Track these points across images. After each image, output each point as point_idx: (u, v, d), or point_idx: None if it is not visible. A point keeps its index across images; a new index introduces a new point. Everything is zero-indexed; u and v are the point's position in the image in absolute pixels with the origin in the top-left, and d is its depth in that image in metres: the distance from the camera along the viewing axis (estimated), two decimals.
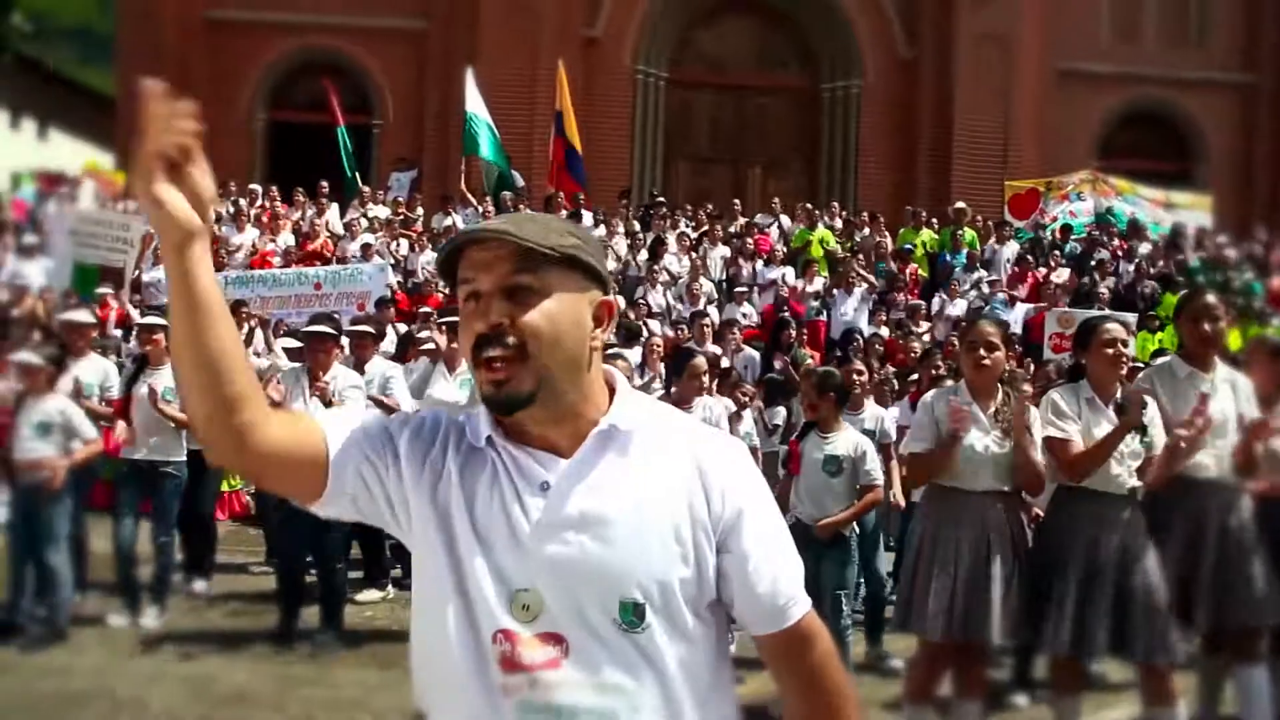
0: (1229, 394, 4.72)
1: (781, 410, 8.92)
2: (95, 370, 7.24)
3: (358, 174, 17.75)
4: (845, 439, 5.59)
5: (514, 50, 20.31)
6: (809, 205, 16.87)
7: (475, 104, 15.54)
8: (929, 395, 4.89)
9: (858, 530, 5.72)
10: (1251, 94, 22.68)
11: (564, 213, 15.90)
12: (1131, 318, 12.02)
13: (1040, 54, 21.65)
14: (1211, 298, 4.92)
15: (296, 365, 7.02)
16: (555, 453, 1.59)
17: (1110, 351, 4.48)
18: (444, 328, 7.09)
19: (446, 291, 13.51)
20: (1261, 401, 4.91)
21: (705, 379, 6.28)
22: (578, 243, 1.60)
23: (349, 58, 21.51)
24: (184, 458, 7.02)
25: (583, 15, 21.29)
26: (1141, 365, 7.47)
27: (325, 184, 16.74)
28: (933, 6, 21.58)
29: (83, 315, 7.86)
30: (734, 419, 7.60)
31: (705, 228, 16.09)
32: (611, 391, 1.64)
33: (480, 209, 15.69)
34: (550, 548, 1.54)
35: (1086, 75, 22.01)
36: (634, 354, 10.64)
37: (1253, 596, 4.57)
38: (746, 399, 8.53)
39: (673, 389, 6.22)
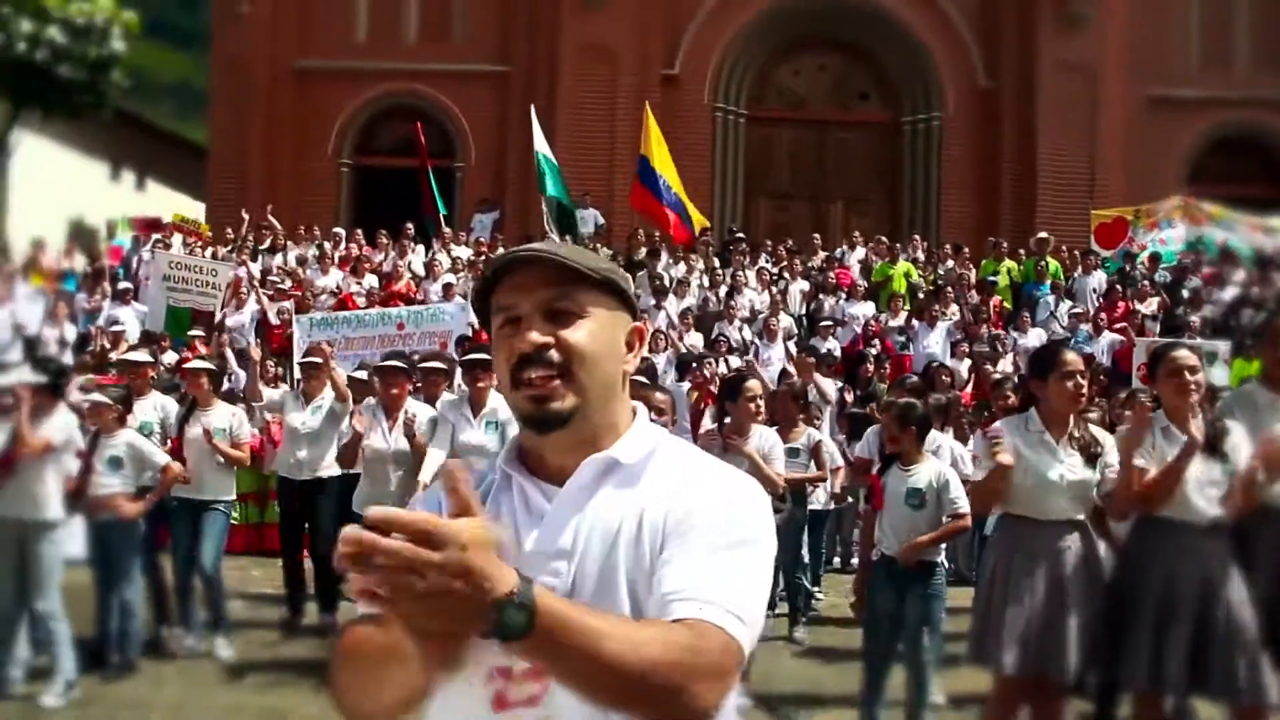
0: None
1: (863, 443, 8.81)
2: (155, 408, 7.46)
3: (443, 215, 18.01)
4: (927, 470, 5.48)
5: (593, 91, 20.57)
6: (886, 240, 16.75)
7: (541, 143, 15.71)
8: (997, 424, 4.79)
9: (947, 565, 5.63)
10: None
11: (643, 250, 16.01)
12: (1224, 345, 11.69)
13: (1125, 80, 21.27)
14: None
15: (370, 401, 7.12)
16: (563, 483, 1.59)
17: (1177, 380, 4.35)
18: (467, 368, 6.81)
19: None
20: None
21: (760, 404, 6.18)
22: (612, 267, 1.63)
23: (431, 102, 21.93)
24: (234, 496, 7.32)
25: (661, 54, 21.47)
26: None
27: (410, 226, 17.04)
28: (1013, 35, 21.35)
29: (140, 355, 8.23)
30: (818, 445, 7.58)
31: (785, 263, 16.04)
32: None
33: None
34: (538, 578, 1.46)
35: (1174, 101, 21.55)
36: (684, 388, 10.63)
37: None
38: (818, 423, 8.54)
39: (726, 418, 6.15)
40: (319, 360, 7.65)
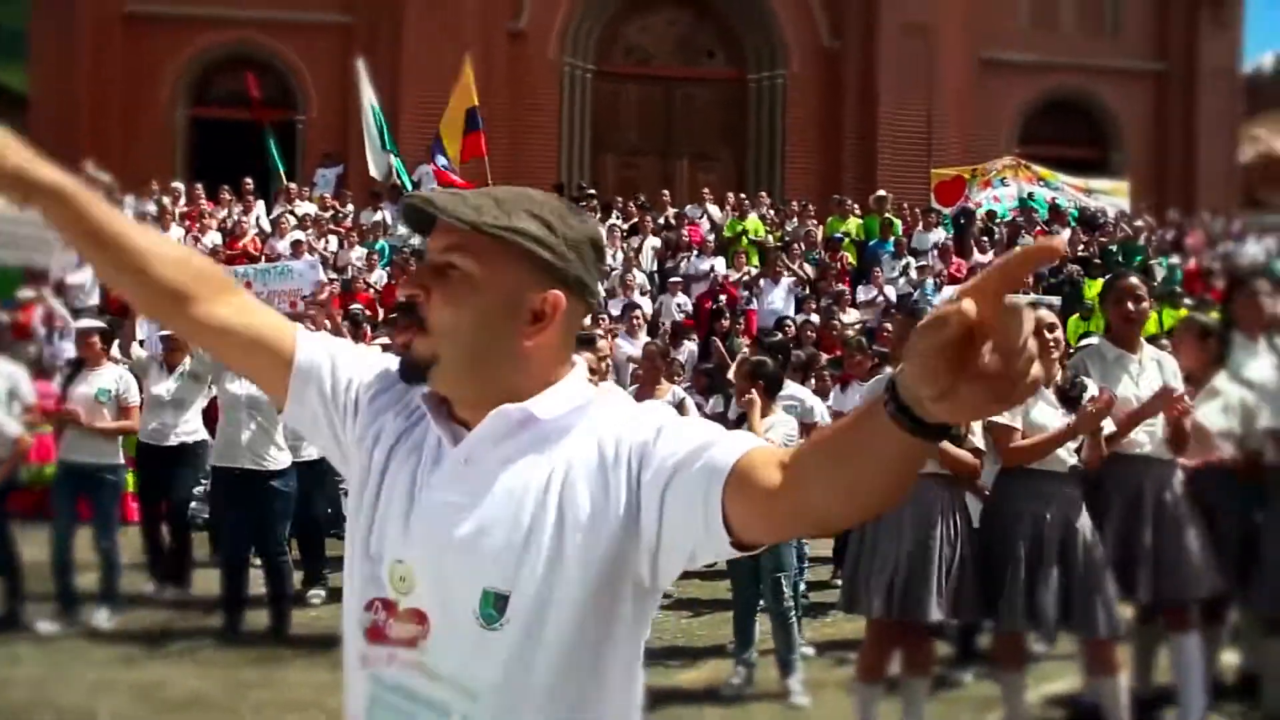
0: (1156, 372, 4.87)
1: (718, 399, 9.01)
2: (5, 376, 7.10)
3: (282, 171, 17.50)
4: (779, 426, 5.64)
5: (438, 44, 20.16)
6: (741, 195, 17.01)
7: (370, 95, 15.37)
8: (870, 384, 4.98)
9: None
10: (1163, 81, 23.28)
11: None
12: (1057, 300, 12.31)
13: (961, 43, 22.00)
14: (1135, 279, 5.06)
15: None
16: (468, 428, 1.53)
17: (1040, 339, 4.57)
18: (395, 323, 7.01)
19: (377, 289, 13.46)
20: (1188, 380, 5.09)
21: (604, 368, 6.05)
22: (528, 228, 1.48)
23: (272, 52, 21.21)
24: (120, 459, 7.04)
25: (507, 8, 21.21)
26: (1070, 348, 7.68)
27: (250, 181, 16.52)
28: None
29: None
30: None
31: (636, 219, 16.14)
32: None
33: None
34: (427, 522, 1.48)
35: (1006, 64, 22.43)
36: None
37: (1188, 569, 4.73)
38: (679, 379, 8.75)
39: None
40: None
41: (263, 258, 13.87)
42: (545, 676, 1.43)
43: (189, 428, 7.43)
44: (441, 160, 15.70)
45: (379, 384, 1.61)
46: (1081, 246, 15.55)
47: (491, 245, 1.46)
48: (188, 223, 15.18)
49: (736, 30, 22.52)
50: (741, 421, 5.67)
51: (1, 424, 6.30)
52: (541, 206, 1.51)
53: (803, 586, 6.88)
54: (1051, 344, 4.56)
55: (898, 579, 4.49)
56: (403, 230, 14.91)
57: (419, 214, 1.50)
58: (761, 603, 5.73)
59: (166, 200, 16.05)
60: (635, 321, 11.52)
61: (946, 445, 4.45)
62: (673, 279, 14.11)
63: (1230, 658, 5.61)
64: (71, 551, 6.80)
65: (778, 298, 13.65)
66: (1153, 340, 5.83)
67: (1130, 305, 4.90)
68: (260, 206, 16.29)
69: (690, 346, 11.69)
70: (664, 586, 1.53)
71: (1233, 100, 23.35)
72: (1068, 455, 4.54)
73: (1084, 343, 6.91)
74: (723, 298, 13.72)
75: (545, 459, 1.47)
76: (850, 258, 15.35)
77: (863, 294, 13.86)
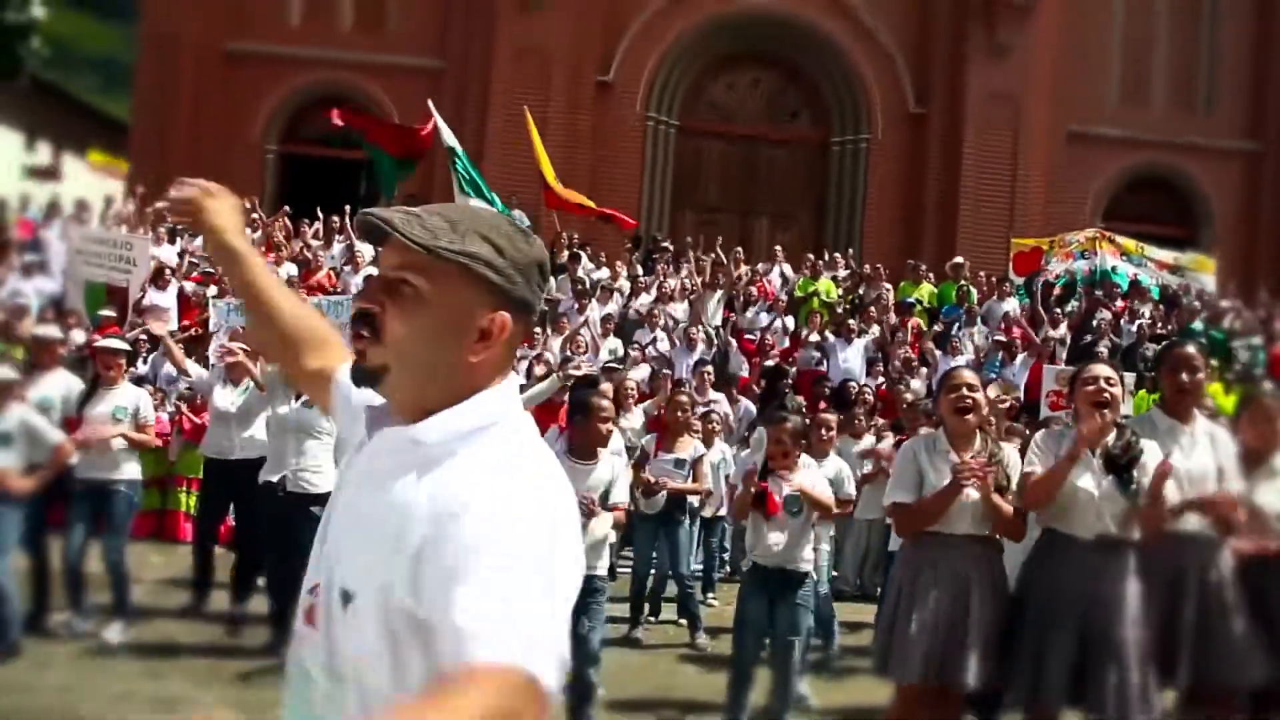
0: (1208, 446, 4.68)
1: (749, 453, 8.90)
2: (61, 385, 7.24)
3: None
4: (804, 478, 5.46)
5: (526, 93, 20.46)
6: (812, 256, 16.92)
7: (450, 137, 15.56)
8: (908, 443, 4.85)
9: (815, 578, 5.64)
10: (1256, 161, 22.79)
11: (566, 253, 15.97)
12: (1130, 377, 11.99)
13: (1049, 115, 21.79)
14: (1191, 349, 4.89)
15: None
16: None
17: (1091, 389, 4.44)
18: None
19: None
20: (1245, 459, 4.88)
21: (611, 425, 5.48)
22: (479, 252, 1.54)
23: (364, 93, 21.68)
24: (137, 476, 7.14)
25: (596, 61, 21.48)
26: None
27: (336, 219, 16.79)
28: (943, 64, 21.75)
29: (51, 330, 8.02)
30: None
31: (705, 274, 16.12)
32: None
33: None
34: (336, 514, 1.63)
35: (1095, 138, 22.15)
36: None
37: (1232, 654, 4.51)
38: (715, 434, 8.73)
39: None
40: (237, 359, 7.53)
41: (336, 291, 14.07)
42: (365, 679, 1.50)
43: (256, 441, 7.45)
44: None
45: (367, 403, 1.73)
46: (1161, 323, 15.19)
47: (444, 266, 1.54)
48: (267, 253, 15.47)
49: (822, 92, 22.55)
50: (768, 473, 5.46)
51: (44, 431, 6.40)
52: (493, 229, 1.59)
53: (835, 648, 6.71)
54: (1107, 398, 4.40)
55: (935, 642, 4.34)
56: None
57: (374, 230, 1.57)
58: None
59: (248, 230, 16.39)
60: (706, 377, 11.40)
61: (998, 499, 4.34)
62: (748, 335, 13.98)
63: None
64: (84, 561, 6.89)
65: (851, 358, 13.49)
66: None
67: (1184, 375, 4.73)
68: (339, 242, 16.54)
69: (746, 403, 11.55)
70: None
71: None
72: (1096, 521, 4.36)
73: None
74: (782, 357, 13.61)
75: (418, 483, 1.50)
76: (922, 324, 15.15)
77: (943, 362, 13.61)
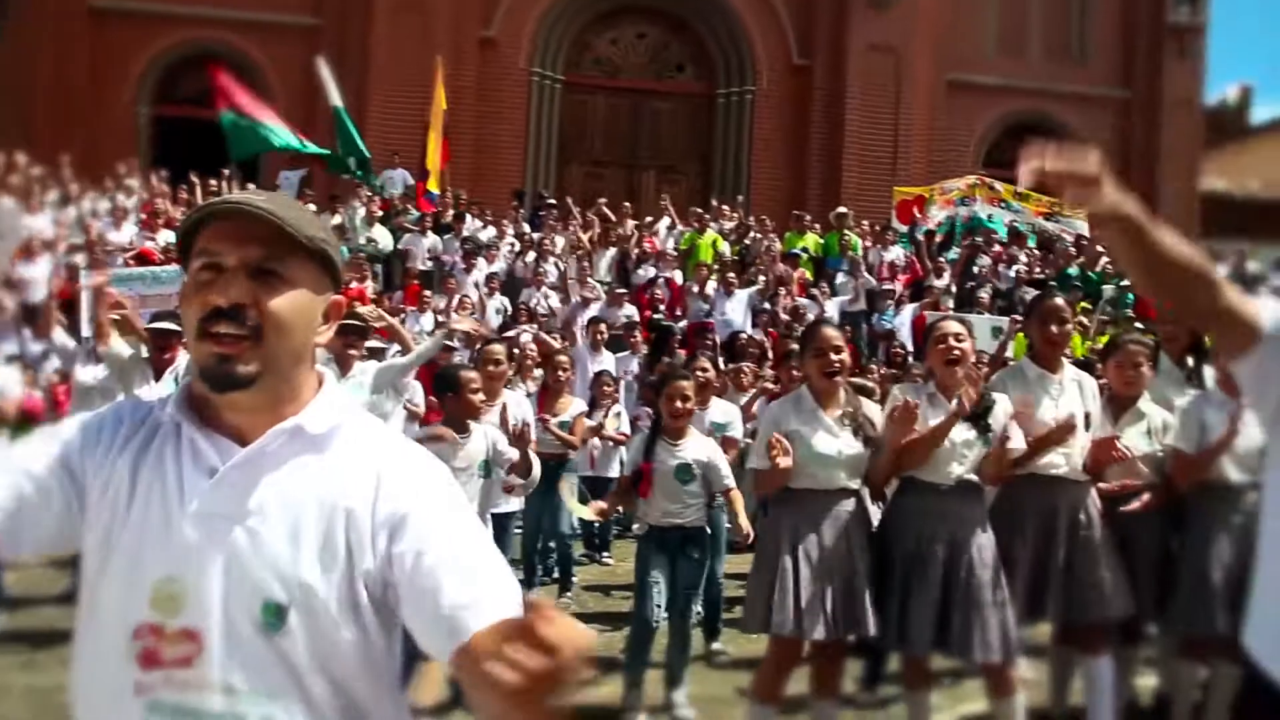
0: (1076, 394, 4.84)
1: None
2: None
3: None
4: (695, 446, 5.51)
5: (407, 49, 20.08)
6: (699, 209, 16.97)
7: (335, 95, 15.28)
8: (772, 406, 4.89)
9: (710, 531, 5.70)
10: (1125, 107, 23.51)
11: (451, 212, 15.78)
12: (1005, 321, 12.30)
13: (930, 65, 22.13)
14: (1060, 301, 5.04)
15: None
16: (240, 442, 1.54)
17: (942, 347, 4.55)
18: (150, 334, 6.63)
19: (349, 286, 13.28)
20: (1111, 402, 5.06)
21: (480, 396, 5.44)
22: (327, 238, 1.58)
23: (239, 52, 21.04)
24: None
25: (478, 16, 21.15)
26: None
27: (214, 183, 16.32)
28: (827, 16, 21.91)
29: None
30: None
31: (595, 230, 16.07)
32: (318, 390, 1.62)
33: (364, 205, 15.45)
34: (199, 535, 1.48)
35: (974, 87, 22.58)
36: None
37: (1100, 592, 4.69)
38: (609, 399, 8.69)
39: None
40: (116, 317, 7.25)
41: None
42: (330, 676, 1.49)
43: None
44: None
45: (90, 437, 1.56)
46: (1039, 269, 15.59)
47: (302, 254, 1.54)
48: (144, 218, 14.99)
49: (706, 45, 22.55)
50: (654, 441, 5.50)
51: None
52: (312, 214, 1.61)
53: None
54: (957, 354, 4.52)
55: (829, 597, 4.40)
56: (368, 236, 14.77)
57: (241, 217, 1.50)
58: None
59: (120, 197, 15.87)
60: (599, 336, 11.36)
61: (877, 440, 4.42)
62: (619, 290, 13.89)
63: (1147, 681, 5.58)
64: None
65: (733, 309, 13.55)
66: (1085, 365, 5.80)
67: (1054, 327, 4.88)
68: None
69: (636, 359, 11.55)
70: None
71: (1194, 130, 23.56)
72: (957, 468, 4.49)
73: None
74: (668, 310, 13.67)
75: (313, 472, 1.52)
76: (807, 274, 15.32)
77: (811, 309, 13.76)
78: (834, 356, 4.54)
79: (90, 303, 11.12)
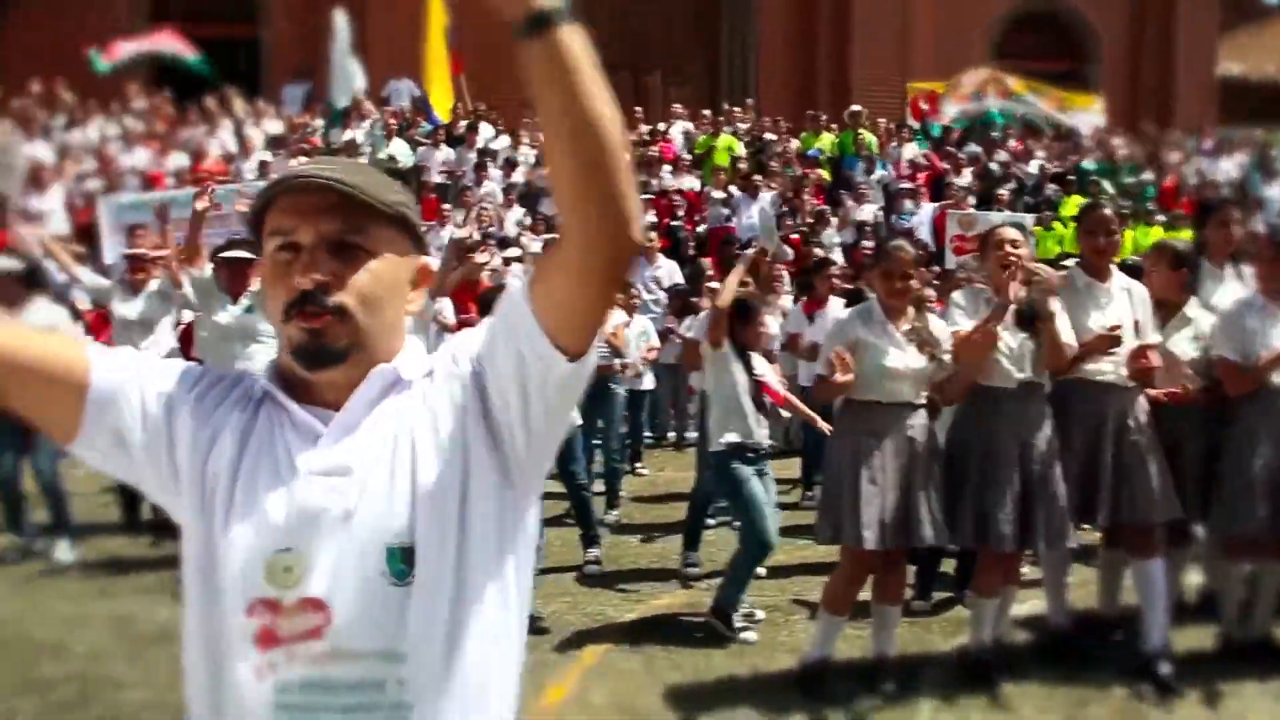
0: (1125, 301, 4.89)
1: (692, 320, 8.96)
2: None
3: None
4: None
5: None
6: (709, 112, 16.81)
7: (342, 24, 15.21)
8: (845, 315, 4.94)
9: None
10: None
11: (464, 124, 15.66)
12: (1029, 219, 12.30)
13: None
14: (1108, 211, 5.07)
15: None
16: (338, 410, 1.47)
17: (1000, 253, 4.62)
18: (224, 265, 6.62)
19: None
20: (1157, 306, 5.11)
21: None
22: (405, 200, 1.51)
23: None
24: None
25: None
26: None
27: (213, 99, 16.20)
28: None
29: None
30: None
31: None
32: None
33: (380, 120, 15.34)
34: (313, 499, 1.41)
35: None
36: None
37: (1148, 495, 4.80)
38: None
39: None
40: (143, 252, 7.29)
41: (229, 179, 13.65)
42: (461, 617, 1.43)
43: (160, 350, 7.23)
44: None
45: (193, 387, 1.52)
46: (1057, 162, 15.52)
47: (381, 221, 1.46)
48: (155, 144, 14.90)
49: None
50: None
51: None
52: (386, 177, 1.53)
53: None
54: (1013, 259, 4.58)
55: (889, 509, 4.52)
56: (388, 153, 14.67)
57: (311, 190, 1.42)
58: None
59: (129, 120, 15.74)
60: None
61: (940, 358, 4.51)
62: (644, 196, 13.91)
63: (1193, 579, 5.73)
64: (20, 483, 6.86)
65: (755, 214, 13.52)
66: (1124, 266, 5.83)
67: (1102, 239, 4.93)
68: (227, 126, 15.99)
69: (669, 266, 11.55)
70: (534, 476, 1.52)
71: (1211, 13, 23.14)
72: (1018, 371, 4.62)
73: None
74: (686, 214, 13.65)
75: (410, 413, 1.47)
76: (825, 174, 15.25)
77: (841, 213, 13.75)
78: (900, 284, 4.60)
79: (110, 231, 11.16)
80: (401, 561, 1.40)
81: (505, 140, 15.71)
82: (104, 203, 11.74)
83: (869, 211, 13.53)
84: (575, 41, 1.27)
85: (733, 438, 5.56)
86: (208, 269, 6.57)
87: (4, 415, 5.68)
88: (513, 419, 1.45)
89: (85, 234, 11.99)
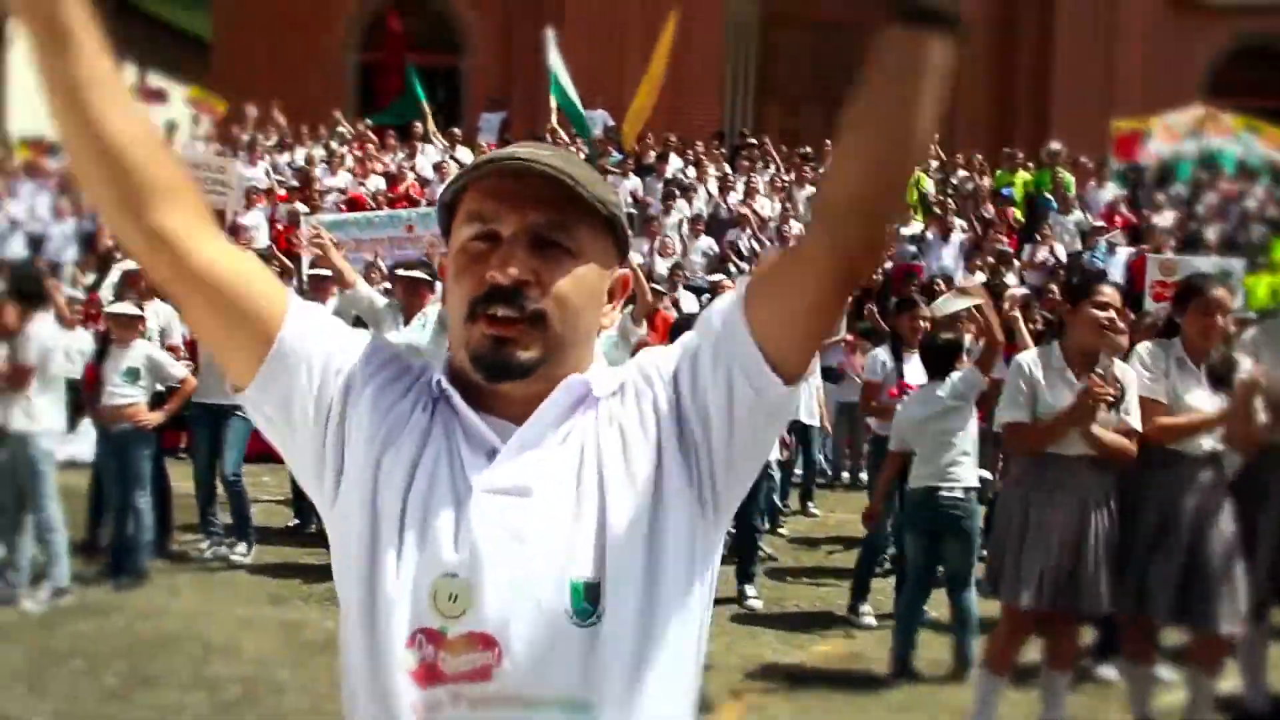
0: None
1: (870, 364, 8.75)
2: (154, 315, 7.51)
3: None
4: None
5: None
6: None
7: (556, 63, 15.58)
8: (1023, 357, 4.70)
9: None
10: None
11: (652, 154, 15.81)
12: (1239, 264, 11.59)
13: None
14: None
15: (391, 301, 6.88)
16: (517, 422, 1.32)
17: (1207, 320, 4.32)
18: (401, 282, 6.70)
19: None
20: None
21: None
22: (619, 202, 1.37)
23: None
24: None
25: None
26: (1252, 316, 7.24)
27: (419, 126, 16.79)
28: None
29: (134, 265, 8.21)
30: None
31: (797, 170, 15.84)
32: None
33: (573, 149, 15.62)
34: (487, 523, 1.26)
35: (1200, 7, 21.09)
36: None
37: None
38: None
39: None
40: (328, 272, 7.53)
41: (424, 203, 14.10)
42: (650, 664, 1.27)
43: None
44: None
45: (378, 371, 1.36)
46: (1272, 207, 14.61)
47: (591, 220, 1.32)
48: (358, 167, 15.54)
49: None
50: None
51: (168, 365, 6.66)
52: (599, 175, 1.38)
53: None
54: (1219, 328, 4.29)
55: (1057, 568, 4.26)
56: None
57: (523, 176, 1.28)
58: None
59: (335, 144, 16.47)
60: None
61: (1099, 431, 4.20)
62: None
63: None
64: (213, 485, 7.26)
65: (947, 255, 13.18)
66: None
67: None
68: (428, 152, 16.54)
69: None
70: (727, 508, 1.36)
71: None
72: (1208, 440, 4.34)
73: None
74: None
75: (597, 432, 1.32)
76: (1018, 214, 14.73)
77: (1029, 253, 13.25)
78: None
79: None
80: (586, 599, 1.25)
81: (692, 172, 15.77)
82: (306, 222, 12.28)
83: (1060, 253, 12.97)
84: (947, 50, 1.18)
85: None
86: (377, 296, 6.73)
87: (200, 422, 6.03)
88: (715, 447, 1.30)
89: (291, 255, 12.57)
